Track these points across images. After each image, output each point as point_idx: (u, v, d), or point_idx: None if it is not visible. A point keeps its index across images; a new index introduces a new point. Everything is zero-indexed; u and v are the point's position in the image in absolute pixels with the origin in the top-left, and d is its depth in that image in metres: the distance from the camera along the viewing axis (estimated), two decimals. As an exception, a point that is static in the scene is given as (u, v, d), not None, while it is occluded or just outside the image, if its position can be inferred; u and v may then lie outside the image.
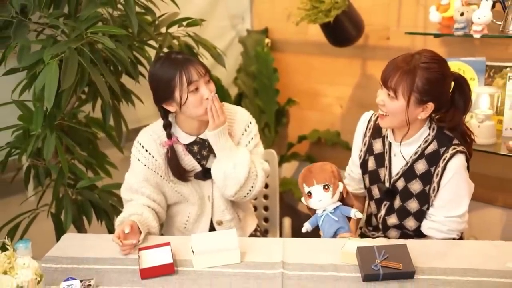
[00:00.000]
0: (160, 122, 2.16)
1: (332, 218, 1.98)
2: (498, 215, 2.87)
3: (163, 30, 2.54)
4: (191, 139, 2.14)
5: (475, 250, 1.89)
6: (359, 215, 1.98)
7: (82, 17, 2.19)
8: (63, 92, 2.16)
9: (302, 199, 2.07)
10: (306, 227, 2.03)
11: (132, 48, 2.43)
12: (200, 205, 2.23)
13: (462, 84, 1.98)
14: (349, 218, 2.02)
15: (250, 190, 2.15)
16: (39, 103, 2.19)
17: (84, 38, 2.12)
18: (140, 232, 1.96)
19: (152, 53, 2.54)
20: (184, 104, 2.01)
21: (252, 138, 2.21)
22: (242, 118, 2.22)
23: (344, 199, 2.04)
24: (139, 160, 2.13)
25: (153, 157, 2.12)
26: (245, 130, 2.20)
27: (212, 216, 2.24)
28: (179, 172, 2.14)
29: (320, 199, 1.99)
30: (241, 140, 2.19)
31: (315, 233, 2.07)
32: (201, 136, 2.14)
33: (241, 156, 2.11)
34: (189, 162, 2.15)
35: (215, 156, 2.12)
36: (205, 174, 2.16)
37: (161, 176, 2.15)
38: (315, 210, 2.04)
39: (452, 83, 1.97)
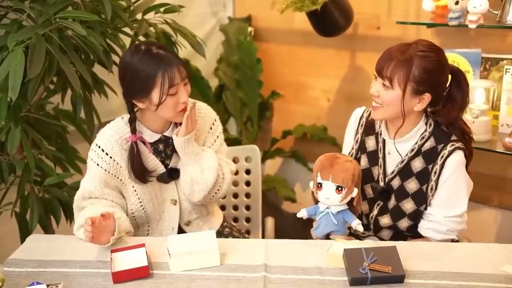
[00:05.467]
0: (118, 120, 2.12)
1: (331, 219, 1.96)
2: (493, 216, 2.89)
3: (139, 16, 2.52)
4: (156, 137, 2.12)
5: (468, 253, 1.89)
6: (360, 228, 1.97)
7: (50, 0, 2.16)
8: (30, 82, 2.13)
9: (311, 183, 2.00)
10: (303, 213, 2.02)
11: (105, 35, 2.40)
12: (157, 211, 2.18)
13: (459, 78, 2.00)
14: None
15: (215, 193, 2.17)
16: (2, 94, 2.16)
17: (52, 23, 2.09)
18: (114, 231, 1.87)
19: (126, 41, 2.52)
20: (160, 104, 1.98)
21: (217, 137, 2.22)
22: (208, 115, 2.22)
23: (351, 204, 2.03)
24: (98, 165, 2.05)
25: (114, 160, 2.06)
26: (211, 128, 2.21)
27: (180, 219, 2.22)
28: (141, 171, 2.08)
29: (328, 197, 1.93)
30: (207, 139, 2.20)
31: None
32: (166, 133, 2.12)
33: (208, 160, 2.11)
34: (152, 161, 2.11)
35: (178, 155, 2.12)
36: (171, 174, 2.14)
37: (121, 180, 2.10)
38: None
39: (450, 76, 1.98)
